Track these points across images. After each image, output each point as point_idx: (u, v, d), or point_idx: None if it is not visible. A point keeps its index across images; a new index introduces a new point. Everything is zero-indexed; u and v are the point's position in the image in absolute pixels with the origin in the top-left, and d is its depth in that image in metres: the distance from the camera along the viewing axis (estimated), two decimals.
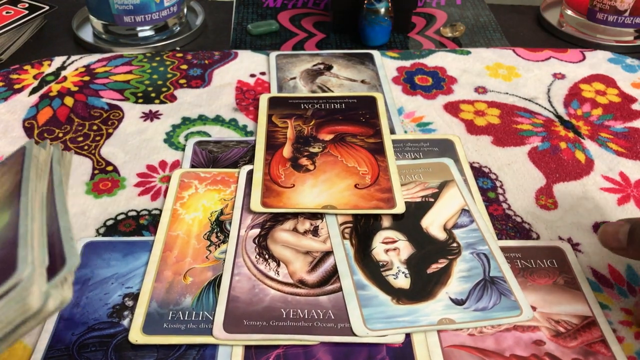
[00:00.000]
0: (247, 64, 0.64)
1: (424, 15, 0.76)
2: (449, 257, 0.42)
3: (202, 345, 0.37)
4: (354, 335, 0.37)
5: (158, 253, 0.42)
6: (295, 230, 0.44)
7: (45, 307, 0.26)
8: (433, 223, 0.45)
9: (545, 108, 0.58)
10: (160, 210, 0.46)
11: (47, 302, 0.26)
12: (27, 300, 0.25)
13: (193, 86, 0.61)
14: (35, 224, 0.29)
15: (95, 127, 0.55)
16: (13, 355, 0.36)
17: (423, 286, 0.40)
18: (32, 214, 0.29)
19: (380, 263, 0.42)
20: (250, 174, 0.48)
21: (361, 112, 0.55)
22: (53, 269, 0.27)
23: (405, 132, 0.55)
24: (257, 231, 0.44)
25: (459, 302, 0.39)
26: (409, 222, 0.45)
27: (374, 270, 0.41)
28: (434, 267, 0.41)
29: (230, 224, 0.45)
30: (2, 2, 0.71)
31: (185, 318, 0.38)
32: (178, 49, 0.69)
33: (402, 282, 0.40)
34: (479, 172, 0.50)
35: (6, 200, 0.31)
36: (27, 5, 0.71)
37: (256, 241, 0.43)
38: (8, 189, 0.32)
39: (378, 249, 0.43)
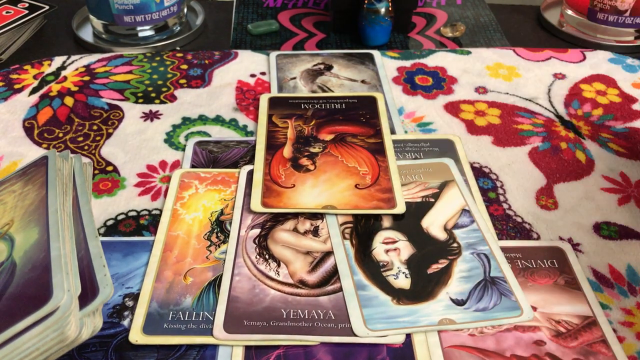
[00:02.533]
0: (247, 64, 0.64)
1: (424, 15, 0.76)
2: (450, 258, 0.42)
3: (202, 345, 0.37)
4: (355, 335, 0.37)
5: (158, 253, 0.42)
6: (295, 230, 0.44)
7: (79, 337, 0.27)
8: (433, 223, 0.45)
9: (545, 108, 0.58)
10: (161, 211, 0.46)
11: (82, 331, 0.27)
12: (65, 330, 0.27)
13: (193, 86, 0.60)
14: (67, 247, 0.30)
15: (95, 127, 0.55)
16: None
17: (423, 286, 0.40)
18: (62, 235, 0.30)
19: (381, 263, 0.42)
20: (250, 174, 0.48)
21: (361, 112, 0.55)
22: (85, 297, 0.28)
23: (406, 132, 0.55)
24: (257, 231, 0.44)
25: (459, 303, 0.39)
26: (409, 222, 0.45)
27: (374, 271, 0.41)
28: (434, 268, 0.41)
29: (230, 224, 0.45)
30: (2, 1, 0.71)
31: (186, 318, 0.38)
32: (178, 48, 0.68)
33: (403, 282, 0.40)
34: (480, 172, 0.50)
35: (33, 214, 0.31)
36: (27, 5, 0.71)
37: (256, 241, 0.43)
38: (33, 203, 0.32)
39: (378, 249, 0.43)
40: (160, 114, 0.57)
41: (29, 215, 0.31)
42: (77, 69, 0.62)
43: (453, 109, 0.58)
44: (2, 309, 0.26)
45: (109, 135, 0.54)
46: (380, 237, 0.43)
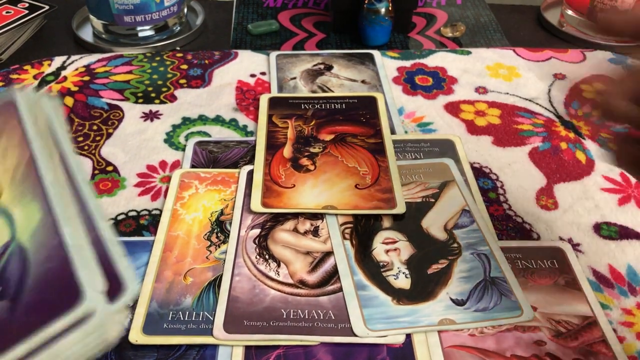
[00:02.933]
0: (247, 64, 0.64)
1: (425, 15, 0.76)
2: (450, 258, 0.42)
3: (202, 345, 0.37)
4: (355, 335, 0.37)
5: (158, 253, 0.42)
6: (295, 230, 0.44)
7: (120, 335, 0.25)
8: (433, 223, 0.45)
9: (545, 108, 0.58)
10: (161, 211, 0.46)
11: (121, 329, 0.25)
12: (107, 336, 0.24)
13: (193, 86, 0.60)
14: (79, 233, 0.25)
15: (95, 127, 0.55)
16: None
17: (423, 286, 0.40)
18: (69, 215, 0.25)
19: (381, 263, 0.42)
20: (250, 174, 0.48)
21: (361, 112, 0.55)
22: (112, 293, 0.24)
23: (406, 132, 0.55)
24: (257, 231, 0.44)
25: (459, 303, 0.39)
26: (409, 222, 0.45)
27: (374, 271, 0.41)
28: (434, 268, 0.41)
29: (230, 224, 0.45)
30: (2, 1, 0.71)
31: (186, 318, 0.38)
32: (178, 48, 0.68)
33: (403, 282, 0.40)
34: (480, 173, 0.50)
35: (24, 182, 0.26)
36: (27, 5, 0.71)
37: (256, 241, 0.43)
38: (19, 166, 0.27)
39: (378, 250, 0.42)
40: (160, 114, 0.57)
41: (20, 183, 0.25)
42: (77, 69, 0.62)
43: (453, 109, 0.58)
44: (26, 305, 0.23)
45: (109, 135, 0.54)
46: (380, 237, 0.43)
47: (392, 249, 0.43)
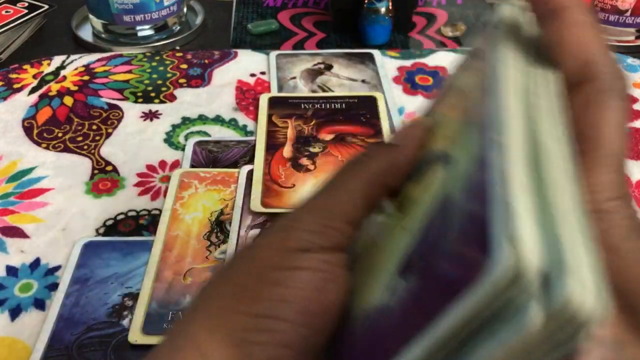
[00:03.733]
0: (247, 64, 0.64)
1: (425, 14, 0.76)
2: None
3: None
4: None
5: (158, 253, 0.42)
6: None
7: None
8: None
9: None
10: (160, 210, 0.46)
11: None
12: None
13: (193, 86, 0.60)
14: (554, 172, 0.15)
15: (94, 127, 0.55)
16: (12, 354, 0.36)
17: None
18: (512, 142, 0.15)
19: None
20: (250, 173, 0.48)
21: (362, 112, 0.55)
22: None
23: None
24: (257, 231, 0.44)
25: None
26: None
27: None
28: None
29: (230, 224, 0.44)
30: (1, 1, 0.71)
31: None
32: (178, 48, 0.68)
33: None
34: None
35: (472, 114, 0.18)
36: (26, 4, 0.71)
37: None
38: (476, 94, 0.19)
39: None
40: (160, 114, 0.57)
41: (472, 125, 0.18)
42: (76, 69, 0.62)
43: None
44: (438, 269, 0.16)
45: (108, 135, 0.54)
46: None
47: None
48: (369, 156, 0.22)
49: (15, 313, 0.39)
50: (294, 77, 0.61)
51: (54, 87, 0.60)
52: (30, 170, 0.50)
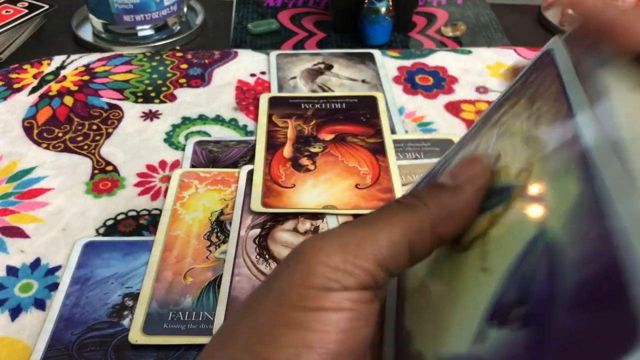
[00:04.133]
0: (247, 64, 0.64)
1: (425, 14, 0.76)
2: None
3: (202, 345, 0.37)
4: None
5: (158, 253, 0.42)
6: (295, 230, 0.44)
7: None
8: None
9: None
10: (160, 210, 0.46)
11: None
12: None
13: (193, 86, 0.60)
14: None
15: (94, 127, 0.55)
16: (12, 354, 0.36)
17: None
18: (622, 186, 0.14)
19: None
20: (250, 173, 0.48)
21: (362, 112, 0.55)
22: None
23: (406, 132, 0.54)
24: (257, 231, 0.44)
25: None
26: None
27: None
28: None
29: (230, 224, 0.44)
30: (1, 1, 0.71)
31: (186, 318, 0.38)
32: (178, 48, 0.68)
33: None
34: None
35: (559, 152, 0.17)
36: (26, 4, 0.71)
37: (256, 241, 0.43)
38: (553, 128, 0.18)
39: None
40: (160, 114, 0.57)
41: (553, 152, 0.17)
42: (76, 69, 0.62)
43: (454, 108, 0.58)
44: (560, 335, 0.14)
45: (108, 134, 0.54)
46: None
47: None
48: (422, 201, 0.20)
49: (15, 313, 0.39)
50: (294, 77, 0.61)
51: (54, 87, 0.60)
52: (30, 170, 0.50)
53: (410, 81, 0.61)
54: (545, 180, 0.17)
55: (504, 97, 0.22)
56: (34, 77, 0.61)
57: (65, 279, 0.41)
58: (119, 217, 0.46)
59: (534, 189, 0.18)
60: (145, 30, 0.68)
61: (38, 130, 0.54)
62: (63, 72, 0.62)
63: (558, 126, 0.17)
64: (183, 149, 0.52)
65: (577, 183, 0.15)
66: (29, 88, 0.59)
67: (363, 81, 0.61)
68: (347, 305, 0.18)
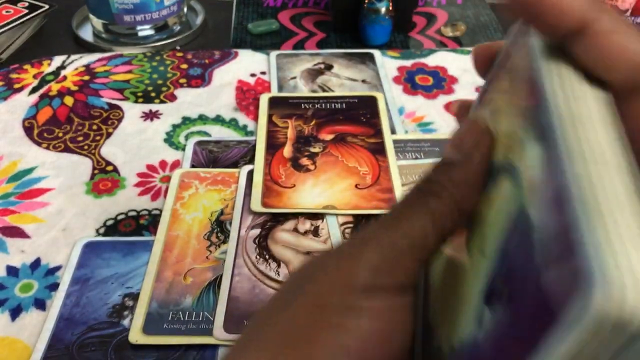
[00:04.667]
0: (247, 64, 0.64)
1: (425, 14, 0.76)
2: None
3: (202, 345, 0.37)
4: None
5: (158, 253, 0.42)
6: (295, 230, 0.44)
7: None
8: None
9: None
10: (161, 210, 0.46)
11: None
12: None
13: (193, 86, 0.60)
14: (615, 183, 0.13)
15: (95, 127, 0.55)
16: (13, 354, 0.36)
17: None
18: (592, 155, 0.14)
19: None
20: (250, 174, 0.48)
21: (362, 112, 0.55)
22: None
23: (406, 132, 0.55)
24: (257, 231, 0.44)
25: None
26: None
27: None
28: None
29: (230, 224, 0.45)
30: (2, 1, 0.71)
31: (186, 318, 0.38)
32: (178, 48, 0.68)
33: None
34: None
35: (527, 117, 0.17)
36: (27, 4, 0.71)
37: (256, 241, 0.43)
38: (522, 96, 0.18)
39: None
40: (160, 114, 0.57)
41: (526, 128, 0.17)
42: (76, 69, 0.62)
43: None
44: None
45: (108, 135, 0.54)
46: None
47: None
48: (440, 184, 0.19)
49: (15, 313, 0.39)
50: (294, 77, 0.61)
51: (55, 87, 0.60)
52: (30, 170, 0.50)
53: (410, 81, 0.61)
54: (519, 154, 0.17)
55: (491, 73, 0.22)
56: (34, 77, 0.61)
57: (65, 279, 0.41)
58: (119, 217, 0.46)
59: (512, 163, 0.18)
60: (145, 30, 0.68)
61: (38, 131, 0.54)
62: (63, 72, 0.62)
63: (530, 102, 0.17)
64: (183, 149, 0.52)
65: (539, 146, 0.16)
66: (29, 88, 0.59)
67: (363, 81, 0.61)
68: (387, 311, 0.18)
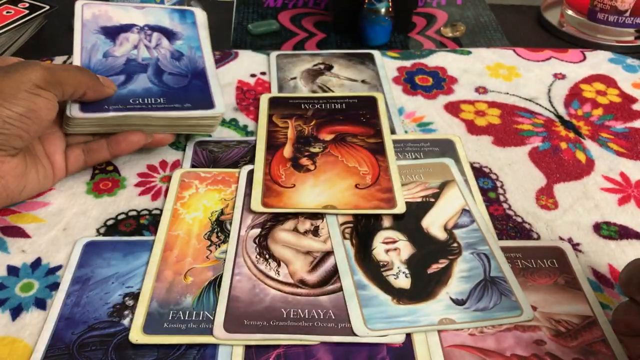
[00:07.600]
0: (247, 64, 0.64)
1: (425, 15, 0.76)
2: (450, 257, 0.42)
3: (202, 345, 0.37)
4: (355, 335, 0.37)
5: (158, 253, 0.42)
6: (295, 230, 0.44)
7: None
8: (433, 223, 0.45)
9: (545, 108, 0.58)
10: (161, 210, 0.46)
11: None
12: (213, 129, 0.48)
13: None
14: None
15: None
16: (13, 354, 0.36)
17: (423, 286, 0.40)
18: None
19: (381, 263, 0.42)
20: (250, 174, 0.48)
21: (362, 112, 0.55)
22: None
23: (406, 132, 0.55)
24: (257, 231, 0.44)
25: (459, 302, 0.39)
26: (409, 222, 0.45)
27: (374, 270, 0.41)
28: (434, 267, 0.41)
29: (230, 223, 0.45)
30: (2, 1, 0.71)
31: (186, 318, 0.38)
32: None
33: (403, 282, 0.40)
34: (480, 172, 0.50)
35: None
36: (27, 5, 0.71)
37: (257, 241, 0.43)
38: None
39: (378, 249, 0.43)
40: None
41: None
42: None
43: (453, 109, 0.58)
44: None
45: None
46: (380, 237, 0.43)
47: (392, 249, 0.43)
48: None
49: (16, 313, 0.39)
50: (294, 78, 0.61)
51: None
52: None
53: (409, 81, 0.61)
54: None
55: None
56: None
57: (65, 278, 0.41)
58: (120, 217, 0.46)
59: None
60: None
61: None
62: None
63: None
64: (183, 149, 0.52)
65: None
66: None
67: (363, 81, 0.61)
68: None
